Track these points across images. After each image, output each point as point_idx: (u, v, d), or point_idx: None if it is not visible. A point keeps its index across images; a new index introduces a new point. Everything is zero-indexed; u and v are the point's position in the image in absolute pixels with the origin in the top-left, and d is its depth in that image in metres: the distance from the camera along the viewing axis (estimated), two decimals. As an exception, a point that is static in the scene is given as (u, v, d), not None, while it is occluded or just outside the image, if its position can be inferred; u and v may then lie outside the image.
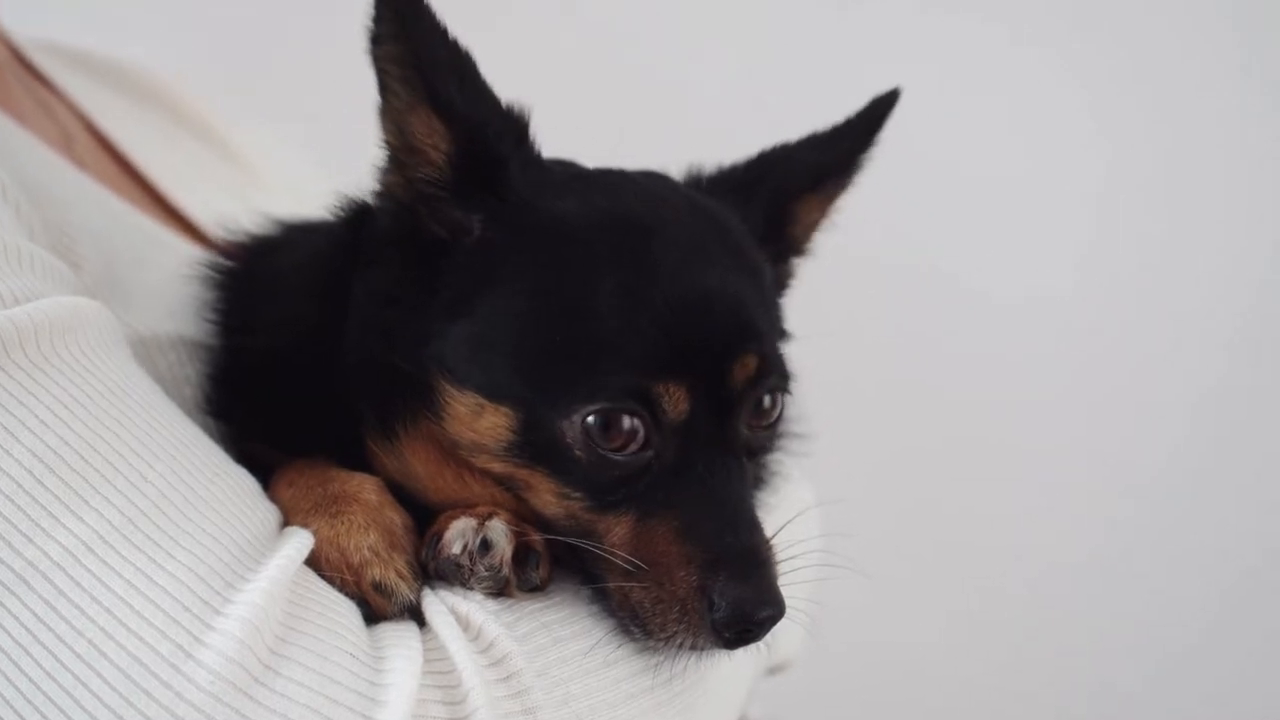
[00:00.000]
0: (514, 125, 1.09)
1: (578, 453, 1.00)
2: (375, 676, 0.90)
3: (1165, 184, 2.48)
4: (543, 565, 1.03)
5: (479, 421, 1.03)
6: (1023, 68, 2.48)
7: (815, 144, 1.26)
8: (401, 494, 1.07)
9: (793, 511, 1.39)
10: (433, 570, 1.02)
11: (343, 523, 1.00)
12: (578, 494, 1.02)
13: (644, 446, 1.01)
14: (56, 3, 1.59)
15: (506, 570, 1.01)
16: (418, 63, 1.02)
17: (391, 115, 1.05)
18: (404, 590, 0.98)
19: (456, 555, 1.00)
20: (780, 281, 1.29)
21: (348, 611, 0.95)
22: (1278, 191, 2.47)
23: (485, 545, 1.00)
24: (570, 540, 1.03)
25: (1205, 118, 2.45)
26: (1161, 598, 2.54)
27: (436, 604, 0.98)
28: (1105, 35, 2.45)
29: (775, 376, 1.08)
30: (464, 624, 0.96)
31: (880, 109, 1.28)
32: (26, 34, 1.59)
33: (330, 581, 0.97)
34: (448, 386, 1.03)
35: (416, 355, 1.05)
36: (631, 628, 1.02)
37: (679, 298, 1.02)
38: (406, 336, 1.06)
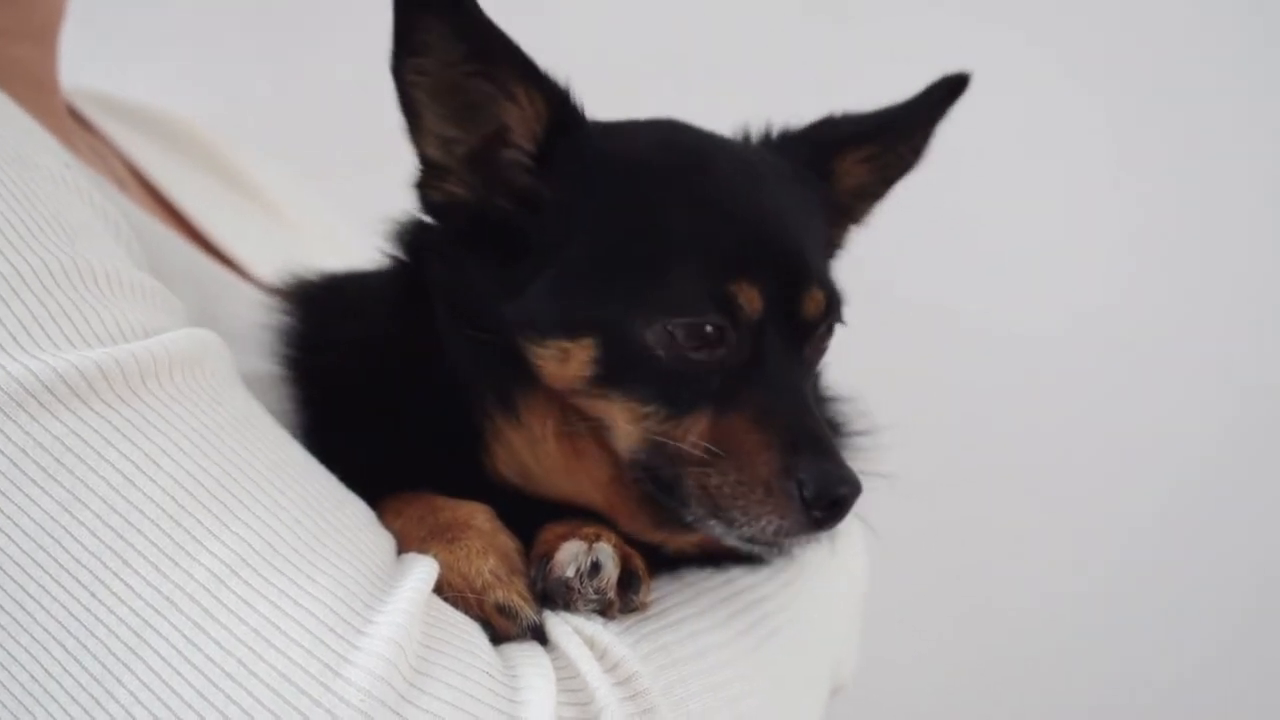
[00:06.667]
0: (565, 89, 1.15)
1: (659, 353, 1.05)
2: (513, 694, 0.92)
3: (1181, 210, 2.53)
4: (643, 589, 1.07)
5: (567, 367, 1.08)
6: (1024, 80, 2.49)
7: (866, 114, 1.29)
8: (506, 517, 1.10)
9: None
10: (540, 591, 1.04)
11: (461, 548, 1.03)
12: (652, 406, 1.07)
13: (720, 344, 1.06)
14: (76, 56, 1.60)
15: (612, 593, 1.04)
16: (498, 52, 1.08)
17: (455, 118, 1.11)
18: (528, 611, 1.00)
19: (568, 578, 1.03)
20: (831, 242, 1.29)
21: (477, 633, 0.97)
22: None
23: (594, 568, 1.04)
24: (650, 462, 1.07)
25: (1228, 131, 2.51)
26: (1169, 621, 2.61)
27: (561, 625, 1.01)
28: (1120, 47, 2.52)
29: (837, 307, 1.14)
30: (589, 644, 0.99)
31: (944, 89, 1.27)
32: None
33: (452, 605, 0.99)
34: (534, 344, 1.09)
35: (505, 327, 1.10)
36: (712, 522, 1.06)
37: (744, 208, 1.12)
38: (492, 317, 1.11)
